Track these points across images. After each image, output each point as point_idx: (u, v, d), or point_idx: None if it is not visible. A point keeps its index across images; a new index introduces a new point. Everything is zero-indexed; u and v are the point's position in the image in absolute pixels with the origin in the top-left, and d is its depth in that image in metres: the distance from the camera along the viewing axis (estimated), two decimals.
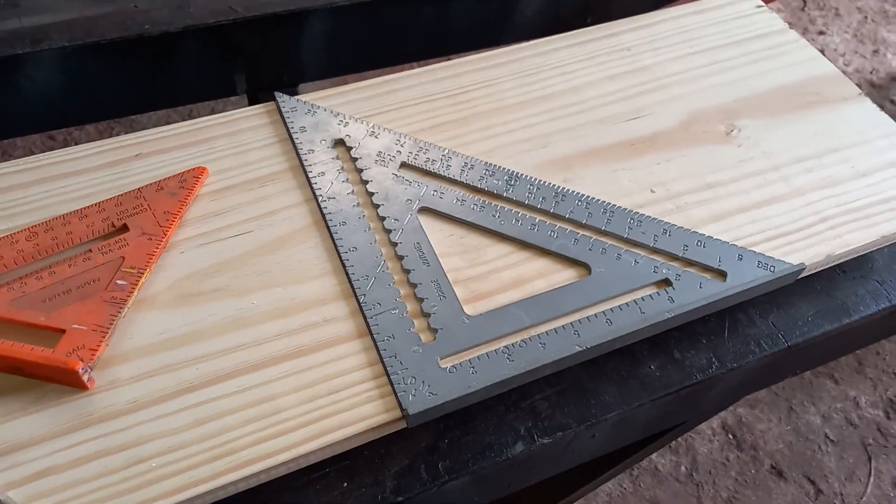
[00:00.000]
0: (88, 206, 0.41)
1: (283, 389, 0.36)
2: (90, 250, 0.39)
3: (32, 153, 0.52)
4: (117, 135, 0.48)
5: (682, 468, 1.19)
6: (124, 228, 0.41)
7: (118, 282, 0.38)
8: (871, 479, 1.17)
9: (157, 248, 0.40)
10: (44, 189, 0.43)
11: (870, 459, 1.19)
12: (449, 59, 0.55)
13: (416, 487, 0.38)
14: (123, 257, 0.39)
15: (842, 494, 1.16)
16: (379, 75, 0.53)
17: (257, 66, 0.64)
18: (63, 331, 0.36)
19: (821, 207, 0.45)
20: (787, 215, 0.45)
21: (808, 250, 0.43)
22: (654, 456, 1.21)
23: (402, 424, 0.36)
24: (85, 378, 0.35)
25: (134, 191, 0.42)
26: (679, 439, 1.23)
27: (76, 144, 0.48)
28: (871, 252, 0.47)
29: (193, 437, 0.34)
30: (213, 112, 0.54)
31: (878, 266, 0.48)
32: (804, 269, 0.42)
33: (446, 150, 0.46)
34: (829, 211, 0.45)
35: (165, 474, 0.33)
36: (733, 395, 0.48)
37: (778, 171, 0.47)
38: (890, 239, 0.45)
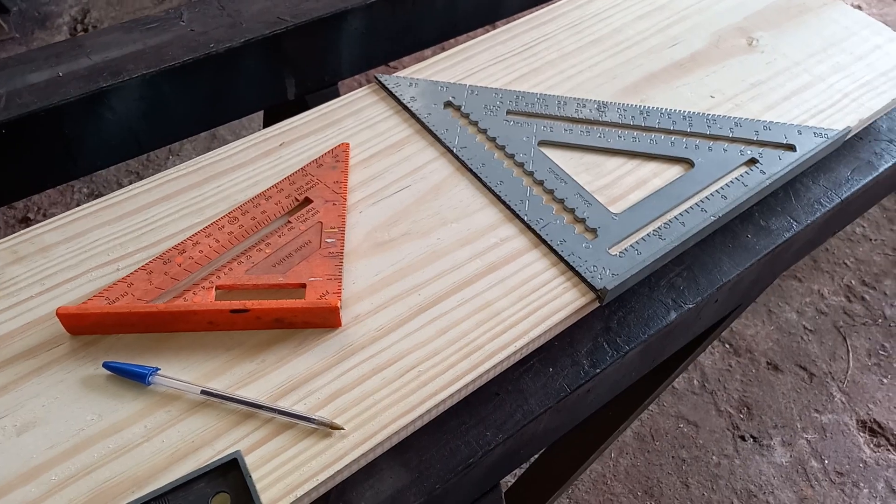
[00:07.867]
0: (268, 189, 0.47)
1: (494, 296, 0.43)
2: (289, 222, 0.45)
3: (119, 183, 0.55)
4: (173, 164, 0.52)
5: (695, 381, 1.31)
6: (307, 201, 0.46)
7: (327, 240, 0.44)
8: (851, 355, 1.33)
9: (343, 210, 0.46)
10: (215, 185, 0.48)
11: (845, 339, 1.36)
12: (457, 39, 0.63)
13: (606, 359, 0.45)
14: (321, 222, 0.45)
15: (830, 373, 1.31)
16: (411, 62, 0.60)
17: (304, 69, 0.70)
18: (303, 285, 0.41)
19: (840, 87, 0.56)
20: (818, 97, 0.55)
21: (844, 119, 0.54)
22: None
23: (597, 304, 0.44)
24: (340, 315, 0.40)
25: (299, 171, 0.48)
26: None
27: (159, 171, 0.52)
28: (875, 120, 0.58)
29: (443, 342, 0.41)
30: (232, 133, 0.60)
31: (883, 129, 0.60)
32: (850, 131, 0.53)
33: (538, 94, 0.54)
34: (846, 88, 0.56)
35: (433, 375, 0.40)
36: (798, 255, 0.58)
37: (798, 65, 0.58)
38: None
